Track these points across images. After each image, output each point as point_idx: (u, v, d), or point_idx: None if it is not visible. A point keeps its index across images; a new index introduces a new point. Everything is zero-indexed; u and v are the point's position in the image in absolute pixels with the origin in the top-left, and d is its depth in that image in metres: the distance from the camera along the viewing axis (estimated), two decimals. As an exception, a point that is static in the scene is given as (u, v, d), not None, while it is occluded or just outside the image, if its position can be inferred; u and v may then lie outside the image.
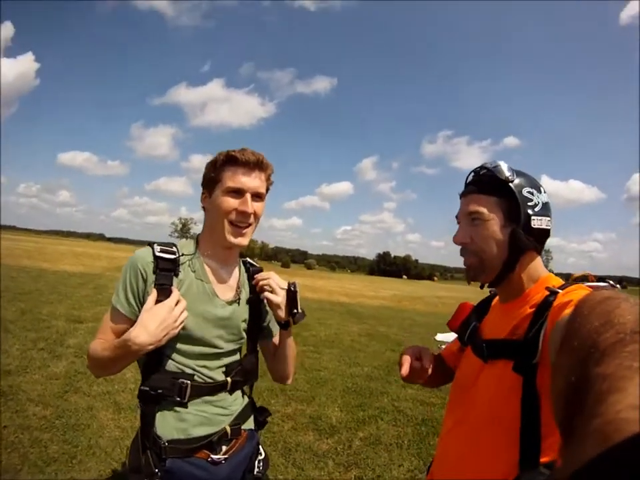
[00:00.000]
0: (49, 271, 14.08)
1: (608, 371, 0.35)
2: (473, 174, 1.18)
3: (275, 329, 1.53)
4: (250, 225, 1.35)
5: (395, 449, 3.64)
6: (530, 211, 1.07)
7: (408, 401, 4.90)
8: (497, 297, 1.29)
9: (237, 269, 1.47)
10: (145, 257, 1.29)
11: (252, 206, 1.32)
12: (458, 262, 1.19)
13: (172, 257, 1.30)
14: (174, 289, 1.25)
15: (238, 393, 1.43)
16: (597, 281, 0.99)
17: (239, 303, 1.42)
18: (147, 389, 1.24)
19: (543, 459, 0.91)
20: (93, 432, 3.34)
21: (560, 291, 0.95)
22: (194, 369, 1.30)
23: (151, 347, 1.15)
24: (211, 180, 1.35)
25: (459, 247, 1.16)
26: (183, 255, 1.34)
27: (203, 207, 1.41)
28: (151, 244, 1.33)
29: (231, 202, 1.31)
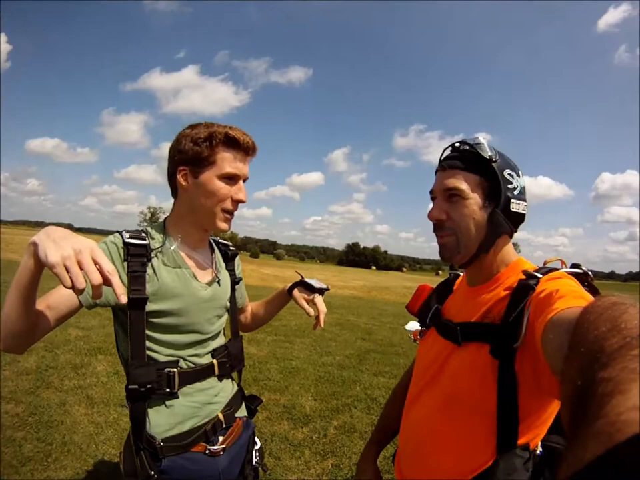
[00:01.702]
0: (15, 261, 13.63)
1: (612, 374, 0.36)
2: (451, 148, 1.12)
3: (244, 296, 1.64)
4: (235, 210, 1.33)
5: (369, 436, 3.65)
6: (509, 194, 1.04)
7: (380, 389, 4.99)
8: (459, 280, 1.30)
9: (209, 250, 1.44)
10: (115, 242, 1.21)
11: (246, 193, 1.30)
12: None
13: (142, 242, 1.23)
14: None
15: (227, 380, 1.42)
16: (570, 267, 0.97)
17: (219, 284, 1.39)
18: (136, 386, 1.17)
19: (520, 441, 0.91)
20: (67, 428, 3.31)
21: (540, 275, 0.92)
22: (183, 358, 1.27)
23: (48, 258, 0.83)
24: (201, 159, 1.24)
25: (432, 223, 1.12)
26: (153, 239, 1.28)
27: (175, 185, 1.32)
28: (119, 232, 1.25)
29: (227, 189, 1.26)
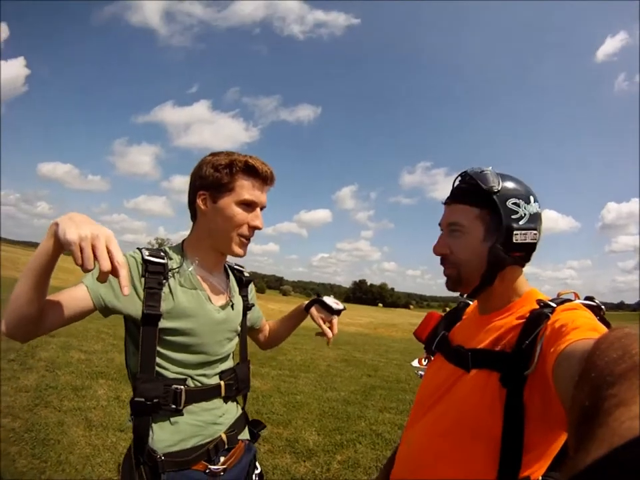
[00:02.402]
0: (3, 278, 13.69)
1: (619, 392, 0.37)
2: (459, 179, 1.13)
3: (260, 317, 1.69)
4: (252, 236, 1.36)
5: (374, 472, 3.58)
6: (514, 224, 1.02)
7: (386, 425, 4.86)
8: (470, 307, 1.29)
9: (224, 274, 1.47)
10: (135, 257, 1.24)
11: (262, 221, 1.33)
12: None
13: (161, 261, 1.26)
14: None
15: (232, 403, 1.42)
16: (584, 300, 0.95)
17: (232, 308, 1.41)
18: (142, 399, 1.18)
19: (522, 474, 0.89)
20: (63, 448, 3.23)
21: (555, 305, 0.92)
22: (191, 377, 1.27)
23: (66, 235, 0.87)
24: (220, 185, 1.28)
25: (440, 266, 1.14)
26: (171, 259, 1.30)
27: (195, 209, 1.35)
28: (139, 248, 1.28)
29: (244, 215, 1.29)
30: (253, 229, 1.32)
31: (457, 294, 1.18)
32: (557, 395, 0.73)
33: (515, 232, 1.02)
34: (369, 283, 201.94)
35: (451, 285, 1.13)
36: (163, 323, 1.22)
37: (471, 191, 1.07)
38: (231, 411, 1.40)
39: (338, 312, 1.59)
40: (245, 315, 1.51)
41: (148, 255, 1.24)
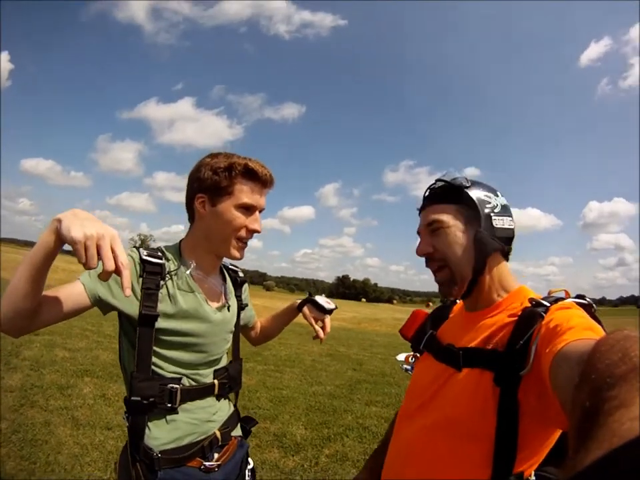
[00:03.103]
0: (3, 279, 13.45)
1: (619, 393, 0.37)
2: (429, 189, 1.15)
3: (253, 315, 1.72)
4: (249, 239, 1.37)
5: (362, 465, 3.58)
6: (490, 212, 1.06)
7: (372, 418, 4.92)
8: (456, 306, 1.28)
9: (220, 276, 1.47)
10: (132, 257, 1.23)
11: (260, 224, 1.34)
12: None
13: (159, 261, 1.25)
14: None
15: (224, 400, 1.43)
16: (575, 298, 0.95)
17: (228, 309, 1.42)
18: (138, 398, 1.18)
19: (515, 470, 0.88)
20: (51, 448, 3.21)
21: (548, 304, 0.91)
22: (186, 376, 1.28)
23: (71, 233, 0.87)
24: (219, 188, 1.27)
25: (423, 260, 1.13)
26: (168, 260, 1.30)
27: (193, 212, 1.35)
28: (137, 247, 1.29)
29: (243, 218, 1.29)
30: (251, 232, 1.33)
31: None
32: (553, 394, 0.72)
33: (493, 217, 1.06)
34: (352, 279, 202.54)
35: (445, 289, 1.10)
36: (160, 324, 1.21)
37: (444, 191, 1.10)
38: (224, 408, 1.42)
39: (330, 311, 1.61)
40: (238, 314, 1.52)
41: (146, 255, 1.24)
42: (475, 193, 1.07)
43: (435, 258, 1.09)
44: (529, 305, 0.96)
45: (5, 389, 4.19)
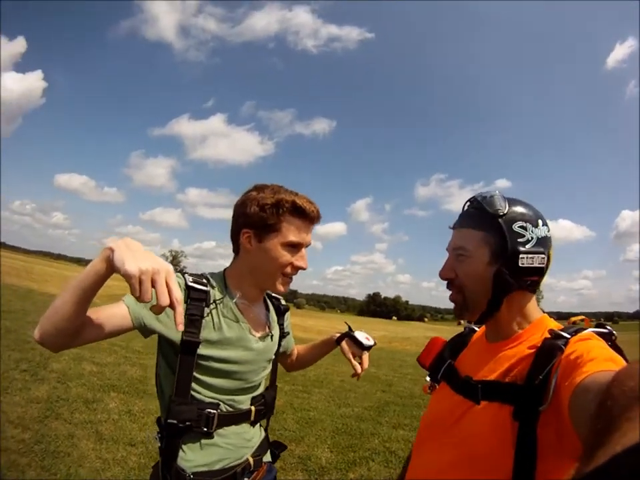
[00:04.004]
0: (36, 291, 13.86)
1: (632, 414, 0.37)
2: (467, 203, 1.13)
3: (292, 342, 1.73)
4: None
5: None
6: (520, 248, 0.99)
7: (399, 442, 4.76)
8: (476, 334, 1.26)
9: (263, 306, 1.48)
10: (178, 283, 1.15)
11: (307, 261, 1.34)
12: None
13: (204, 288, 1.26)
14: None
15: (257, 426, 1.44)
16: (595, 327, 0.94)
17: (271, 338, 1.44)
18: (175, 421, 1.19)
19: None
20: (73, 461, 3.20)
21: (568, 335, 0.90)
22: (223, 402, 1.29)
23: (125, 266, 0.86)
24: (266, 225, 1.27)
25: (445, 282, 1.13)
26: (214, 288, 1.31)
27: (238, 244, 1.34)
28: (182, 273, 1.29)
29: (289, 256, 1.30)
30: (297, 269, 1.33)
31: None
32: (571, 427, 0.72)
33: (521, 255, 0.99)
34: (382, 296, 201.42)
35: (457, 311, 1.11)
36: (202, 350, 1.23)
37: (476, 215, 1.06)
38: (257, 434, 1.42)
39: (368, 348, 1.59)
40: (279, 342, 1.53)
41: (192, 282, 1.25)
42: (510, 222, 1.01)
43: (454, 284, 1.09)
44: (549, 336, 0.94)
45: (31, 400, 4.24)
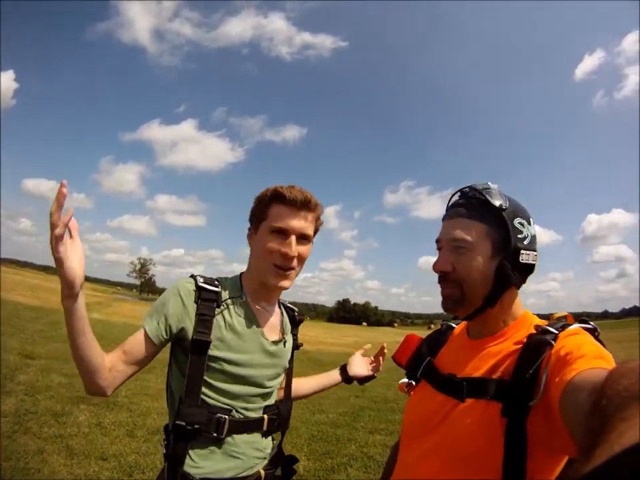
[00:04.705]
0: (1, 300, 13.39)
1: (626, 411, 0.38)
2: (460, 194, 1.09)
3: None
4: (293, 268, 1.32)
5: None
6: (519, 244, 0.99)
7: (377, 447, 4.78)
8: (455, 331, 1.23)
9: (278, 310, 1.47)
10: (187, 285, 1.27)
11: (295, 249, 1.29)
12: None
13: (215, 289, 1.28)
14: None
15: (269, 438, 1.39)
16: (579, 322, 0.95)
17: (284, 345, 1.41)
18: (183, 423, 1.17)
19: None
20: (44, 477, 3.10)
21: (556, 331, 0.89)
22: (235, 409, 1.26)
23: (62, 268, 0.98)
24: (256, 216, 1.34)
25: (438, 275, 1.07)
26: (225, 290, 1.32)
27: (250, 244, 1.39)
28: (193, 276, 1.31)
29: (275, 243, 1.28)
30: (284, 256, 1.28)
31: (442, 311, 1.11)
32: (562, 423, 0.72)
33: (521, 251, 1.00)
34: (352, 302, 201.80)
35: (450, 305, 1.05)
36: (213, 352, 1.22)
37: (478, 207, 1.03)
38: (270, 446, 1.38)
39: (367, 379, 1.76)
40: (293, 352, 1.50)
41: (202, 282, 1.28)
42: (512, 217, 1.01)
43: (449, 278, 1.03)
44: (534, 332, 0.94)
45: (-2, 415, 4.08)
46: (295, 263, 1.30)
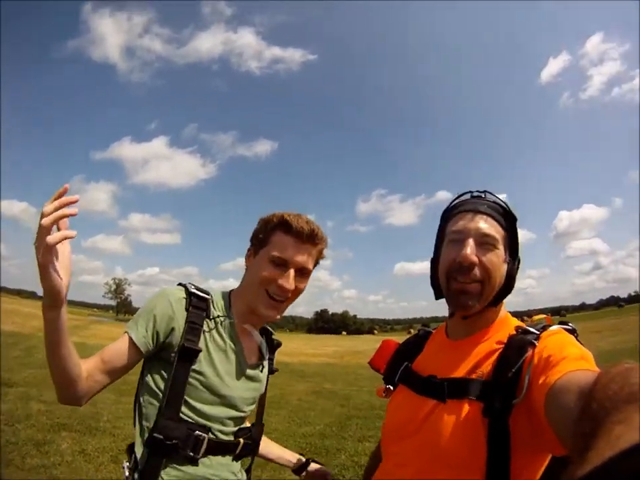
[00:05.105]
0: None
1: (619, 417, 0.38)
2: (482, 195, 1.11)
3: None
4: (287, 299, 1.29)
5: (360, 506, 3.47)
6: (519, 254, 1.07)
7: (367, 455, 4.69)
8: (433, 335, 1.23)
9: (260, 335, 1.40)
10: (177, 292, 1.24)
11: (293, 282, 1.25)
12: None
13: (206, 296, 1.26)
14: None
15: (239, 462, 1.33)
16: (559, 324, 0.97)
17: (262, 370, 1.38)
18: (161, 437, 1.10)
19: None
20: (30, 510, 2.98)
21: (536, 331, 0.92)
22: (211, 430, 1.20)
23: (46, 274, 0.91)
24: (259, 240, 1.30)
25: (457, 266, 1.02)
26: (216, 304, 1.30)
27: (246, 264, 1.37)
28: (182, 284, 1.29)
29: (273, 272, 1.24)
30: (280, 288, 1.24)
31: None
32: (548, 425, 0.73)
33: (518, 260, 1.07)
34: (330, 312, 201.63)
35: (468, 301, 1.00)
36: (197, 365, 1.18)
37: (499, 212, 1.07)
38: (241, 471, 1.33)
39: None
40: (267, 378, 1.45)
41: (194, 289, 1.25)
42: (516, 227, 1.07)
43: (474, 271, 1.00)
44: (515, 332, 0.96)
45: (-23, 448, 3.94)
46: (289, 294, 1.27)
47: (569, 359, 0.77)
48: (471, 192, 1.13)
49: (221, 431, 1.22)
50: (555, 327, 0.93)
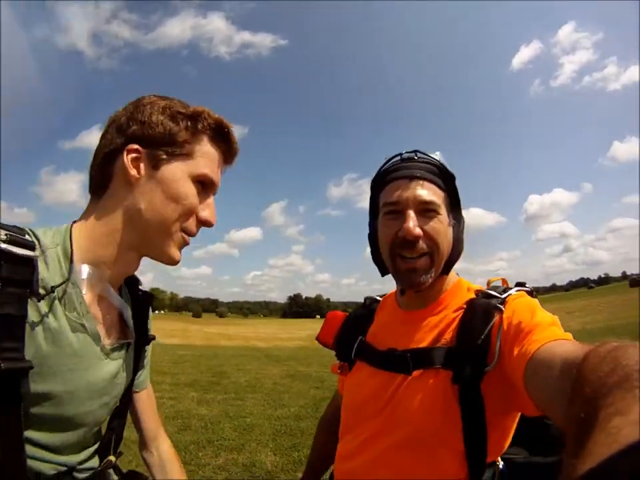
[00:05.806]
0: None
1: (614, 402, 0.38)
2: (408, 157, 0.99)
3: (146, 380, 1.05)
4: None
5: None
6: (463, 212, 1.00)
7: (341, 436, 4.79)
8: (381, 304, 1.16)
9: (118, 297, 0.88)
10: None
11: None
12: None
13: (29, 253, 0.68)
14: None
15: None
16: (515, 286, 0.94)
17: (127, 349, 0.89)
18: None
19: (488, 460, 0.85)
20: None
21: (500, 295, 0.88)
22: (75, 468, 0.80)
23: None
24: (174, 141, 0.81)
25: (399, 241, 0.93)
26: (48, 263, 0.73)
27: (109, 175, 0.81)
28: None
29: (197, 200, 0.84)
30: (201, 223, 0.86)
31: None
32: (526, 394, 0.70)
33: (463, 220, 1.01)
34: (304, 296, 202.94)
35: (418, 278, 0.92)
36: (32, 386, 0.68)
37: (437, 172, 0.96)
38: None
39: None
40: (141, 352, 0.97)
41: (5, 241, 0.65)
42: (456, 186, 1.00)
43: (419, 245, 0.91)
44: (475, 297, 0.93)
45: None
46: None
47: (542, 326, 0.75)
48: (400, 154, 1.00)
49: (89, 466, 0.85)
50: (515, 290, 0.91)
